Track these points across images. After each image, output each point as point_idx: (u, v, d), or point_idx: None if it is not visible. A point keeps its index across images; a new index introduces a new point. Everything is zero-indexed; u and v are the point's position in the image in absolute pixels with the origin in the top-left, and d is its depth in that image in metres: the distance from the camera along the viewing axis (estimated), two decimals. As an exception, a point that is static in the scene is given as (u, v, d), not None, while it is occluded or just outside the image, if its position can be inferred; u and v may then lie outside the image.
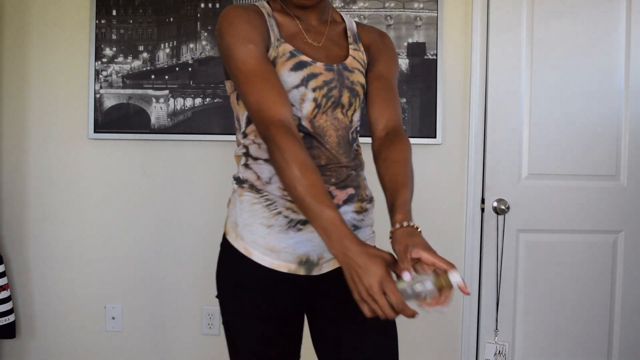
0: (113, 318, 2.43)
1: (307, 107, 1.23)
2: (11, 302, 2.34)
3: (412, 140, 2.32)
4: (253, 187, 1.25)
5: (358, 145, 1.36)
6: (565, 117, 2.33)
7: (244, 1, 2.35)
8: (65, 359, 2.46)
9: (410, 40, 2.33)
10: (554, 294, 2.37)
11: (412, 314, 0.99)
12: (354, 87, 1.29)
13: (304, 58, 1.23)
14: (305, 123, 1.24)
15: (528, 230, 2.36)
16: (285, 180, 1.08)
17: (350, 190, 1.28)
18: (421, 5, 2.33)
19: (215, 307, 2.41)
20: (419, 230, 1.11)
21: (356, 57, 1.33)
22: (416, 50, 2.33)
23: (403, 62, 2.32)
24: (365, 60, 1.36)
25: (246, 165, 1.28)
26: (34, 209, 2.44)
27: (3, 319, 2.30)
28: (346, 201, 1.27)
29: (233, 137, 2.35)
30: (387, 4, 2.33)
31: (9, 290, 2.33)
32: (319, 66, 1.24)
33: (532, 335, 2.38)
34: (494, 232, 2.35)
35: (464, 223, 2.36)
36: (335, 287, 1.26)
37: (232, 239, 1.26)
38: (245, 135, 1.29)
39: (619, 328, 2.38)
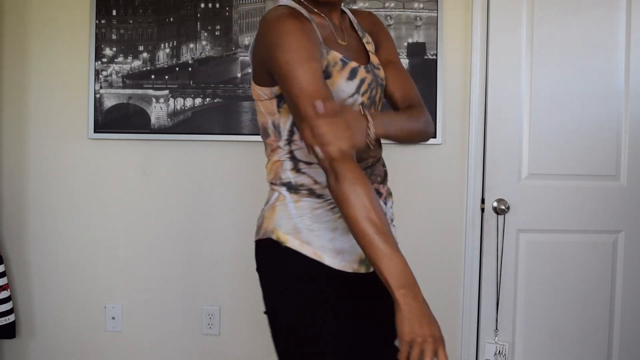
0: (113, 318, 2.43)
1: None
2: (11, 302, 2.34)
3: (412, 140, 2.33)
4: (312, 192, 1.24)
5: None
6: (565, 117, 2.33)
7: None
8: (65, 359, 2.45)
9: (410, 40, 2.33)
10: (554, 294, 2.37)
11: None
12: (383, 83, 1.32)
13: (353, 64, 1.23)
14: None
15: (528, 230, 2.36)
16: (352, 212, 1.06)
17: (387, 186, 1.33)
18: (421, 5, 2.32)
19: (215, 307, 2.41)
20: (369, 124, 1.12)
21: (372, 51, 1.34)
22: (416, 50, 2.33)
23: (403, 62, 2.32)
24: (374, 49, 1.37)
25: (298, 170, 1.24)
26: (34, 209, 2.44)
27: (3, 319, 2.30)
28: (387, 197, 1.31)
29: (233, 137, 2.35)
30: (387, 4, 2.33)
31: (9, 290, 2.33)
32: (362, 70, 1.24)
33: (532, 335, 2.38)
34: (494, 232, 2.35)
35: (464, 223, 2.36)
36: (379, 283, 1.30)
37: (295, 246, 1.21)
38: (289, 142, 1.25)
39: (619, 328, 2.38)
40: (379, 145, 1.32)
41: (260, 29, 1.19)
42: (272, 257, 1.24)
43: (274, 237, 1.23)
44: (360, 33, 1.36)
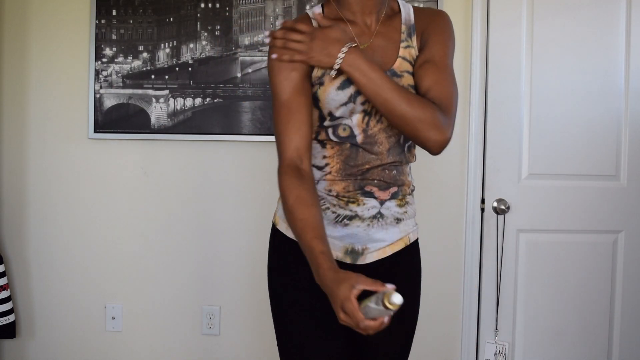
0: (113, 318, 2.43)
1: (357, 117, 1.26)
2: (11, 302, 2.34)
3: (412, 140, 2.32)
4: None
5: (414, 147, 1.36)
6: (565, 117, 2.33)
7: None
8: (65, 359, 2.46)
9: (410, 40, 2.32)
10: (554, 294, 2.37)
11: (375, 330, 1.03)
12: None
13: None
14: (357, 132, 1.27)
15: (528, 230, 2.36)
16: (286, 216, 1.21)
17: (394, 189, 1.31)
18: (421, 5, 2.32)
19: (215, 307, 2.41)
20: (341, 51, 1.19)
21: (406, 56, 1.29)
22: (416, 50, 2.32)
23: (403, 62, 2.32)
24: (417, 54, 1.30)
25: None
26: (34, 209, 2.43)
27: (3, 319, 2.30)
28: (390, 198, 1.31)
29: (233, 137, 2.35)
30: (387, 4, 2.33)
31: (9, 290, 2.33)
32: None
33: (532, 335, 2.38)
34: (494, 232, 2.35)
35: (464, 223, 2.36)
36: (376, 276, 1.30)
37: (283, 229, 1.36)
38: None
39: (619, 328, 2.38)
40: (398, 152, 1.30)
41: None
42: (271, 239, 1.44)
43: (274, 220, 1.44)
44: (404, 35, 1.30)
